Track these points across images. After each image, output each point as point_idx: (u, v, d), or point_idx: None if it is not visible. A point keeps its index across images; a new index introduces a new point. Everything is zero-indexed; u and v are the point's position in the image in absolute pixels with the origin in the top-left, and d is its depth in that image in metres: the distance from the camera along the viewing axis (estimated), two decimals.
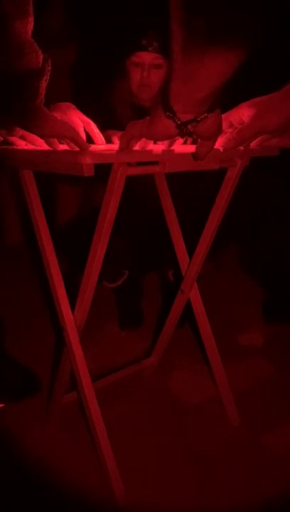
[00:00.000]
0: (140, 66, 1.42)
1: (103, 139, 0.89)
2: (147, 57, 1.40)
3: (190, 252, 1.06)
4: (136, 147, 0.73)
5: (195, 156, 0.70)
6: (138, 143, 0.73)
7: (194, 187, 1.34)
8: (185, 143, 0.88)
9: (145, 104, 1.48)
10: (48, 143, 0.77)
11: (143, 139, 0.72)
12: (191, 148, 0.74)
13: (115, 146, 0.83)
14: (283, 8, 0.50)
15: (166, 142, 0.76)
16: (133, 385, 1.24)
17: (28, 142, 0.83)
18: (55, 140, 0.77)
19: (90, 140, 0.86)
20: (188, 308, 1.11)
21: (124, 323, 1.65)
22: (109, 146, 0.85)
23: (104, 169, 0.71)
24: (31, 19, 0.60)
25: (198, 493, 0.92)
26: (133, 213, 1.47)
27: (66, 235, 1.58)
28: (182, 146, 0.84)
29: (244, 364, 1.39)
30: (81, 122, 0.84)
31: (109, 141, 0.96)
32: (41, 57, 0.63)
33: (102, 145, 0.87)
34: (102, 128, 0.90)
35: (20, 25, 0.59)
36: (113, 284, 1.64)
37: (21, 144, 0.83)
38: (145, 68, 1.41)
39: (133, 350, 1.45)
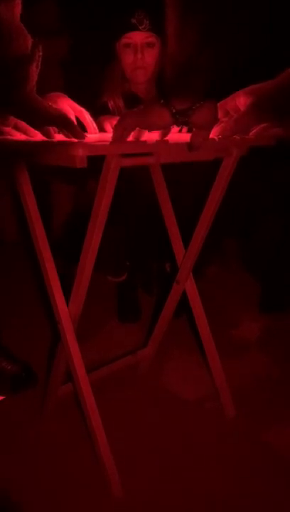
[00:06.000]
0: (132, 47, 1.37)
1: (96, 127, 0.87)
2: (139, 36, 1.35)
3: (187, 243, 1.05)
4: (130, 137, 0.72)
5: (189, 146, 0.69)
6: (133, 132, 0.72)
7: (190, 178, 1.32)
8: (180, 131, 0.86)
9: (139, 89, 1.44)
10: (43, 132, 0.75)
11: (138, 128, 0.71)
12: (186, 137, 0.72)
13: (109, 134, 0.81)
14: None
15: (160, 132, 0.74)
16: (129, 376, 1.24)
17: (21, 132, 0.81)
18: (50, 129, 0.75)
19: (83, 129, 0.84)
20: (186, 299, 1.10)
21: (123, 316, 1.64)
22: (103, 136, 0.84)
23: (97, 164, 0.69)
24: (18, 2, 0.58)
25: (195, 487, 0.92)
26: (132, 206, 1.46)
27: (62, 230, 1.57)
28: (176, 136, 0.82)
29: (240, 356, 1.39)
30: (73, 111, 0.82)
31: (101, 128, 0.94)
32: (30, 41, 0.62)
33: (96, 134, 0.86)
34: (95, 116, 0.88)
35: (5, 9, 0.57)
36: (118, 279, 1.63)
37: (15, 135, 0.81)
38: (138, 49, 1.36)
39: (129, 341, 1.44)
